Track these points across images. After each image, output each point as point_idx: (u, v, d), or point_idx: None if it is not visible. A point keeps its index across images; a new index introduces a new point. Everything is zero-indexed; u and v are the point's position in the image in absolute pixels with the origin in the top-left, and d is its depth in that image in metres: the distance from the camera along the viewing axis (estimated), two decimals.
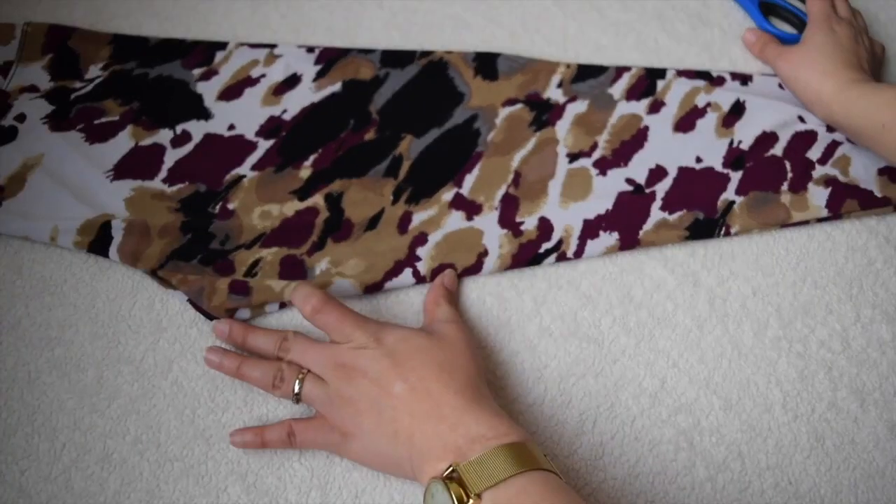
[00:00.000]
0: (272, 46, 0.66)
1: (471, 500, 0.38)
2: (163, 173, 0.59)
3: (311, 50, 0.66)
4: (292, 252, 0.54)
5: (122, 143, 0.61)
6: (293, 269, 0.53)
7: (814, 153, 0.57)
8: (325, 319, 0.47)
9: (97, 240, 0.54)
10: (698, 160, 0.58)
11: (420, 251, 0.54)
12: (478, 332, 0.52)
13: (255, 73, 0.65)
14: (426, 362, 0.44)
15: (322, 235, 0.55)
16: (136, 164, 0.59)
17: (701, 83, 0.62)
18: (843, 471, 0.46)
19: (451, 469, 0.40)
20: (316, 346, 0.47)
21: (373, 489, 0.46)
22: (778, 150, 0.58)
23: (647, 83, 0.62)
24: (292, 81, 0.64)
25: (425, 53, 0.65)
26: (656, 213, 0.55)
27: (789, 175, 0.56)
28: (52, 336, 0.53)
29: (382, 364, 0.44)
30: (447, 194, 0.57)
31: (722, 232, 0.54)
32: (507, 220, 0.55)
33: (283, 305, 0.53)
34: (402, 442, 0.43)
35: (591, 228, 0.55)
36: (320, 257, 0.54)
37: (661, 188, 0.56)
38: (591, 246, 0.54)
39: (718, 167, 0.57)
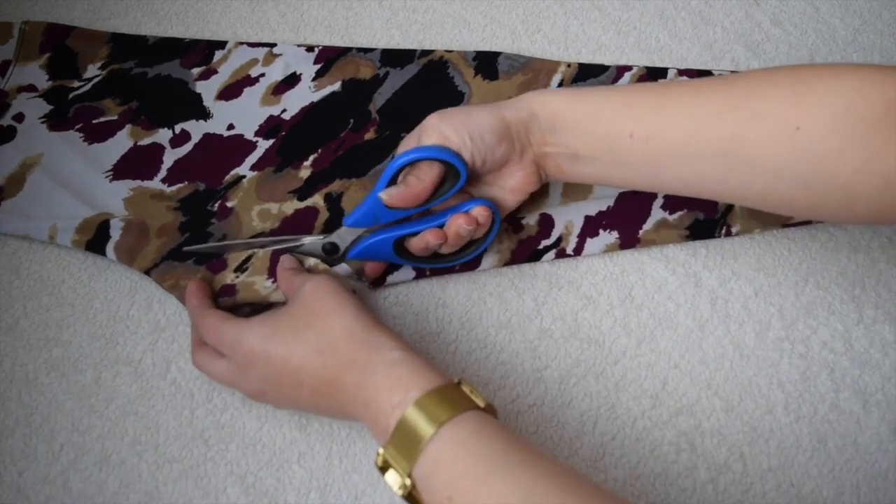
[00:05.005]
0: (271, 45, 0.66)
1: (408, 482, 0.38)
2: (162, 173, 0.59)
3: (310, 49, 0.66)
4: (287, 247, 0.53)
5: (121, 142, 0.61)
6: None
7: None
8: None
9: (95, 238, 0.54)
10: None
11: None
12: (478, 333, 0.52)
13: (254, 72, 0.64)
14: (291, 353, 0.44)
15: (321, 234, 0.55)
16: (135, 164, 0.59)
17: None
18: (846, 472, 0.46)
19: (380, 455, 0.40)
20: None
21: (373, 491, 0.46)
22: None
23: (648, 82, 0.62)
24: (292, 81, 0.64)
25: (425, 52, 0.65)
26: (657, 213, 0.55)
27: None
28: (49, 336, 0.52)
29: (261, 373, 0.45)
30: None
31: (723, 232, 0.54)
32: (508, 216, 0.55)
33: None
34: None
35: (591, 226, 0.54)
36: None
37: None
38: (591, 244, 0.54)
39: None
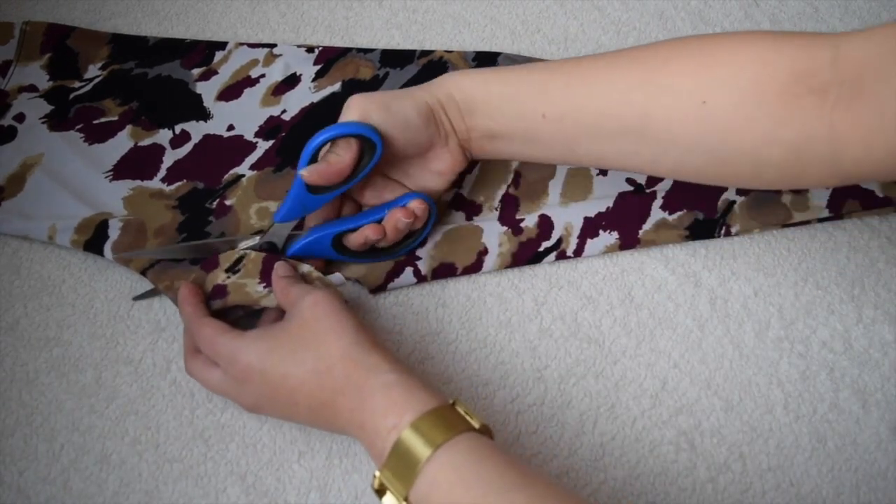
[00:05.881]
0: (272, 46, 0.66)
1: None
2: (162, 173, 0.59)
3: (310, 50, 0.66)
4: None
5: (121, 143, 0.61)
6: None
7: None
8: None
9: (93, 238, 0.54)
10: None
11: (420, 251, 0.54)
12: (478, 333, 0.52)
13: (254, 72, 0.65)
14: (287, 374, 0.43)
15: None
16: (135, 165, 0.59)
17: None
18: (845, 472, 0.46)
19: (377, 479, 0.39)
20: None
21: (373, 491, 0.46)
22: None
23: None
24: (292, 81, 0.64)
25: (425, 53, 0.65)
26: (656, 213, 0.55)
27: None
28: (50, 336, 0.52)
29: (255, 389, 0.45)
30: (446, 195, 0.57)
31: (722, 232, 0.54)
32: (508, 218, 0.55)
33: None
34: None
35: (591, 227, 0.54)
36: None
37: (662, 188, 0.56)
38: (591, 245, 0.54)
39: None
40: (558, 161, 0.51)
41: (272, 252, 0.51)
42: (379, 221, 0.50)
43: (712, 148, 0.44)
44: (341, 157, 0.48)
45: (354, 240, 0.51)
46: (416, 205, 0.50)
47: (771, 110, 0.41)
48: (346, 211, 0.53)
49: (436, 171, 0.52)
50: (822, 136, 0.40)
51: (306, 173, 0.48)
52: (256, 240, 0.52)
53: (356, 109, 0.48)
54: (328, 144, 0.48)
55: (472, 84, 0.50)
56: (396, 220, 0.50)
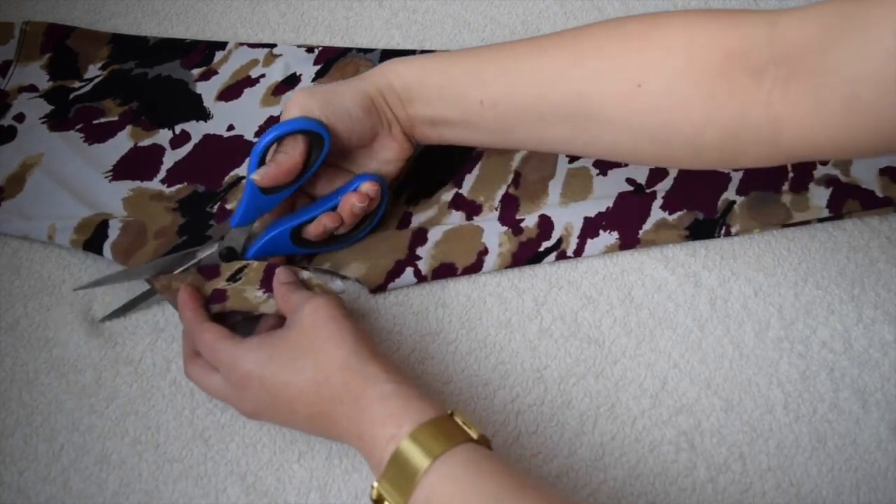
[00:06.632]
0: (272, 46, 0.66)
1: None
2: (161, 174, 0.59)
3: (310, 50, 0.66)
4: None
5: (121, 143, 0.61)
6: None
7: None
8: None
9: (93, 237, 0.54)
10: None
11: (420, 251, 0.54)
12: (478, 333, 0.52)
13: (254, 72, 0.65)
14: (288, 382, 0.42)
15: None
16: (135, 165, 0.59)
17: None
18: (845, 472, 0.46)
19: (375, 489, 0.39)
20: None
21: None
22: None
23: None
24: (292, 81, 0.64)
25: (425, 53, 0.65)
26: (656, 213, 0.55)
27: (790, 175, 0.56)
28: (49, 336, 0.52)
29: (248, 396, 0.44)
30: (447, 194, 0.57)
31: (722, 232, 0.54)
32: (508, 218, 0.55)
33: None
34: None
35: (591, 227, 0.54)
36: (322, 261, 0.54)
37: (662, 188, 0.56)
38: (591, 245, 0.54)
39: None
40: (499, 146, 0.52)
41: (231, 257, 0.51)
42: (334, 208, 0.51)
43: (648, 130, 0.44)
44: (290, 155, 0.48)
45: (313, 230, 0.51)
46: (368, 187, 0.51)
47: (706, 92, 0.41)
48: (300, 204, 0.54)
49: (383, 160, 0.52)
50: (760, 116, 0.40)
51: (258, 177, 0.48)
52: (216, 247, 0.51)
53: (297, 106, 0.48)
54: (276, 144, 0.48)
55: (409, 72, 0.50)
56: (351, 205, 0.50)
